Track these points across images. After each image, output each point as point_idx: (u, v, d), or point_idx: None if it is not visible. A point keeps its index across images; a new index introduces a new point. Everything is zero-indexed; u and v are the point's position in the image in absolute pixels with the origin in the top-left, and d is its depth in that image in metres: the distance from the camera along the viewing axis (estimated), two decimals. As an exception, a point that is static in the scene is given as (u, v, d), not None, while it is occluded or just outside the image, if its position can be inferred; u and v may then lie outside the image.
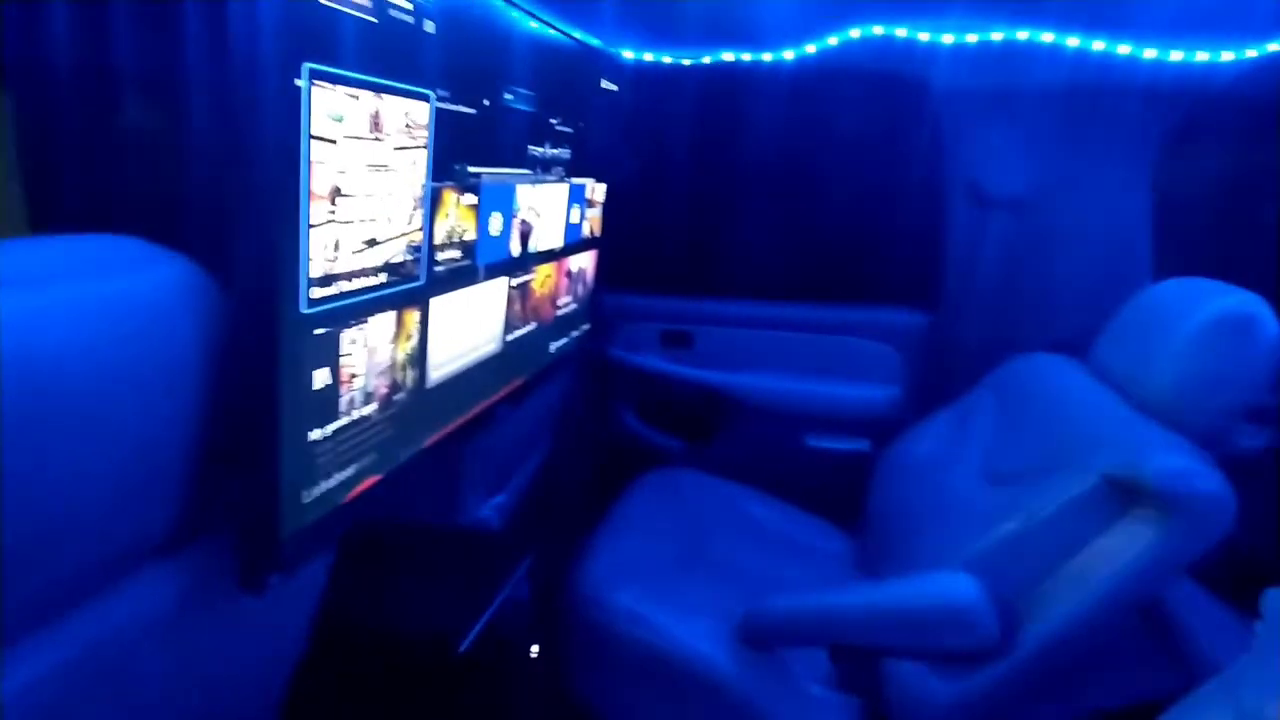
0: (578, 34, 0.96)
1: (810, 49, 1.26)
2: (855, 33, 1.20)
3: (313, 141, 0.49)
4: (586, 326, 1.23)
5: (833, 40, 1.22)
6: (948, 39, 1.19)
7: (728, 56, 1.35)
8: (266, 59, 0.44)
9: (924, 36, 1.18)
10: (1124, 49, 1.16)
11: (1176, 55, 1.18)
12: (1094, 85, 1.29)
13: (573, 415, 1.76)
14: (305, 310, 0.52)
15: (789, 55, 1.31)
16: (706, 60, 1.38)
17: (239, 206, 0.47)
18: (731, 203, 1.76)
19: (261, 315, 0.49)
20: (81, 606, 0.50)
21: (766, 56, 1.33)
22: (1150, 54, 1.18)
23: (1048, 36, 1.17)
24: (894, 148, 1.52)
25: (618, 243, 1.52)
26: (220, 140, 0.52)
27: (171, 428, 0.49)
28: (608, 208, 1.29)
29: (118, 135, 0.92)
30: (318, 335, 0.53)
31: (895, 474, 1.48)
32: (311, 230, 0.51)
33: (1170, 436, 0.96)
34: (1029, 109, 1.38)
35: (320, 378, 0.55)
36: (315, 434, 0.55)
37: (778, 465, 1.70)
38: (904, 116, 1.43)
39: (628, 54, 1.35)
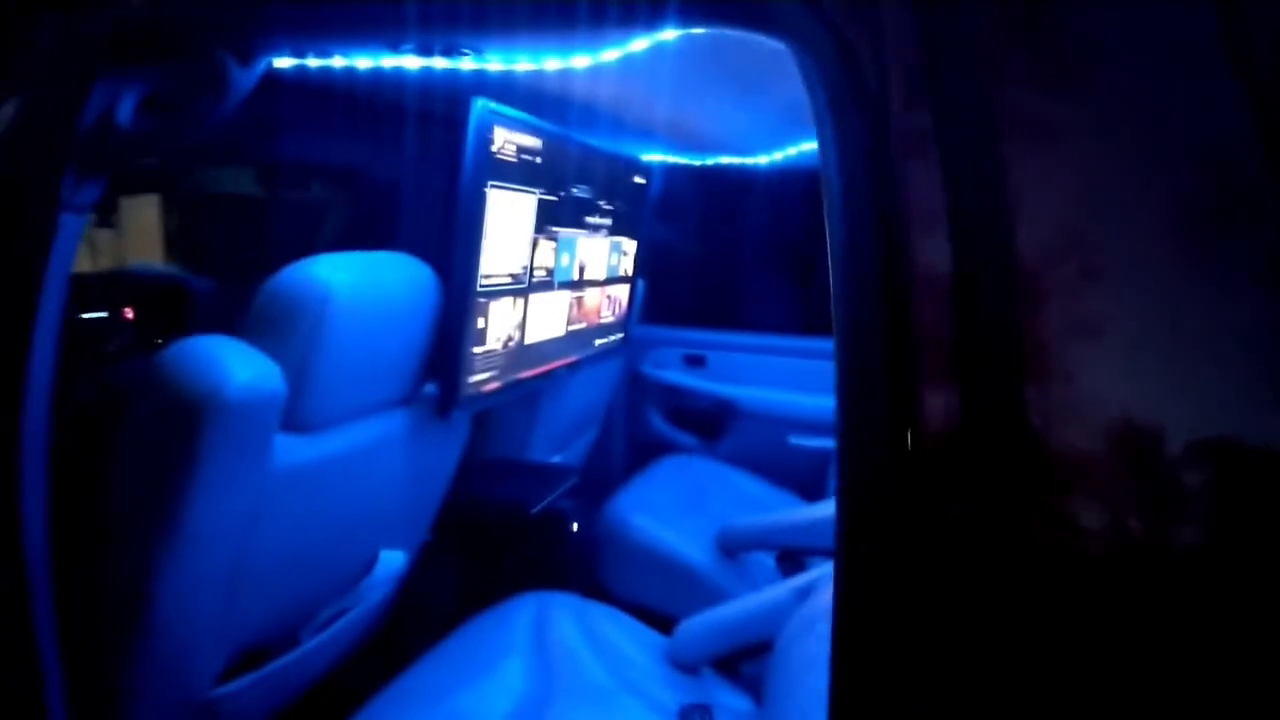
0: (620, 149, 1.59)
1: (778, 155, 1.87)
2: (806, 146, 1.79)
3: (486, 214, 1.10)
4: (620, 336, 1.82)
5: (792, 150, 1.83)
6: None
7: (724, 159, 1.97)
8: (474, 179, 1.06)
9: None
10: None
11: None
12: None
13: (615, 417, 2.34)
14: (478, 288, 1.13)
15: (764, 159, 1.93)
16: (710, 162, 2.01)
17: (455, 243, 1.09)
18: (735, 260, 2.36)
19: (461, 290, 1.10)
20: (371, 417, 1.10)
21: (750, 160, 1.95)
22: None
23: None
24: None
25: (652, 288, 2.12)
26: (444, 215, 1.14)
27: (424, 336, 1.10)
28: (644, 260, 1.90)
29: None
30: (480, 301, 1.14)
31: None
32: (482, 253, 1.12)
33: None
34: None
35: (480, 323, 1.15)
36: (475, 350, 1.16)
37: (768, 458, 2.22)
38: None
39: (657, 157, 1.99)
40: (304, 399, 0.94)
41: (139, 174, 1.94)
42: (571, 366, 1.56)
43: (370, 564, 1.23)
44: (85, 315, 1.60)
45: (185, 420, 0.81)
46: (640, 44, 0.82)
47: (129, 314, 1.67)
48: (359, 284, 0.97)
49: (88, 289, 1.71)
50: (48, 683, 0.83)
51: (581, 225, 1.43)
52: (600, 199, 1.49)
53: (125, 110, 0.82)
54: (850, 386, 0.52)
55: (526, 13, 0.70)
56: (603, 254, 1.56)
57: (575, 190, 1.37)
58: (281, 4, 0.74)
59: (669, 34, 0.80)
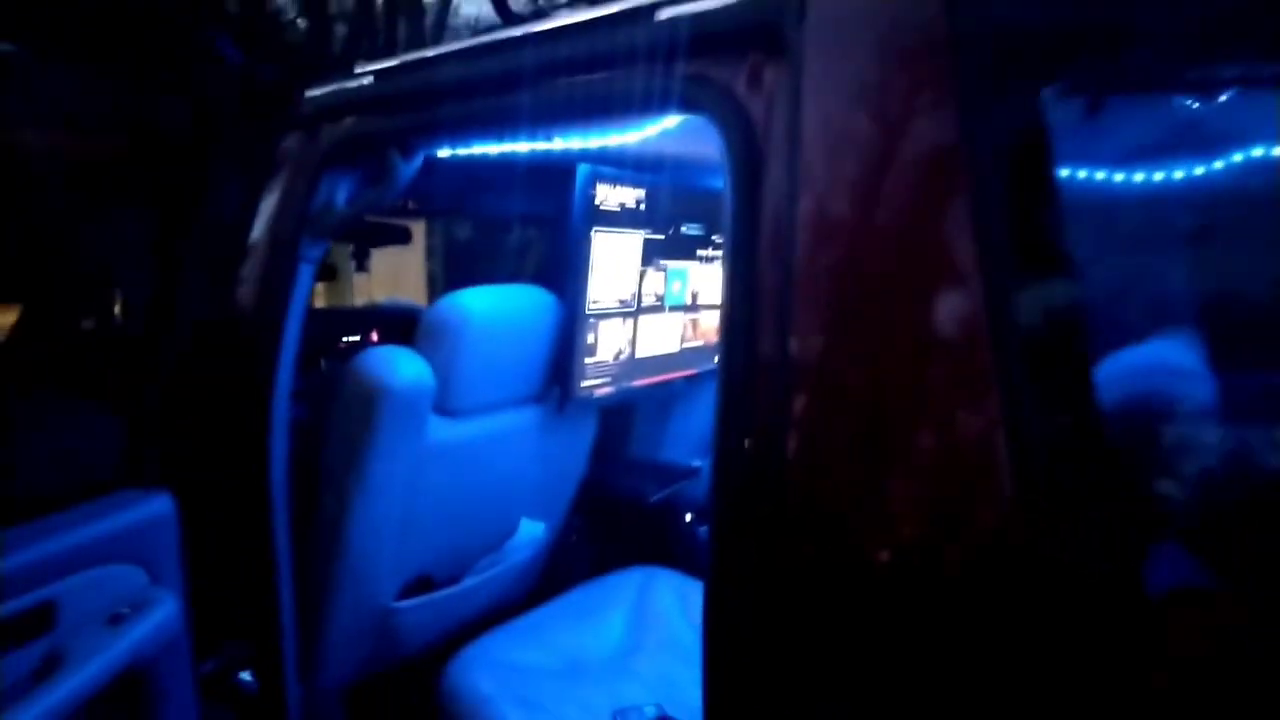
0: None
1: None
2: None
3: (592, 253, 1.40)
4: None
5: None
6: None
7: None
8: (581, 226, 1.37)
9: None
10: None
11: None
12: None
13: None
14: (586, 311, 1.43)
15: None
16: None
17: (569, 275, 1.40)
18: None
19: (573, 310, 1.41)
20: (506, 410, 1.43)
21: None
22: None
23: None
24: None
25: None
26: (559, 251, 1.45)
27: (547, 349, 1.42)
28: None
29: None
30: (590, 320, 1.44)
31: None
32: (590, 283, 1.42)
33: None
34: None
35: (589, 339, 1.45)
36: (587, 360, 1.46)
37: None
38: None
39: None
40: (450, 391, 1.29)
41: (387, 233, 2.50)
42: (691, 379, 1.81)
43: (513, 529, 1.56)
44: (345, 339, 2.13)
45: (367, 402, 1.19)
46: (670, 121, 1.07)
47: (375, 337, 2.19)
48: (490, 309, 1.31)
49: (346, 320, 2.27)
50: (280, 582, 1.24)
51: (692, 257, 1.68)
52: (714, 234, 1.73)
53: (339, 195, 1.23)
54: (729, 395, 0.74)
55: (578, 115, 0.99)
56: (719, 281, 1.80)
57: (684, 228, 1.63)
58: (422, 121, 1.10)
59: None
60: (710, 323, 1.82)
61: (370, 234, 2.30)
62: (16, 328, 1.15)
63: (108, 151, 1.11)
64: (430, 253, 7.72)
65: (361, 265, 2.62)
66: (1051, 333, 0.60)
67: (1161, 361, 0.74)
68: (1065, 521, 0.59)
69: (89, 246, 1.14)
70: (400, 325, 2.22)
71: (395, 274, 6.49)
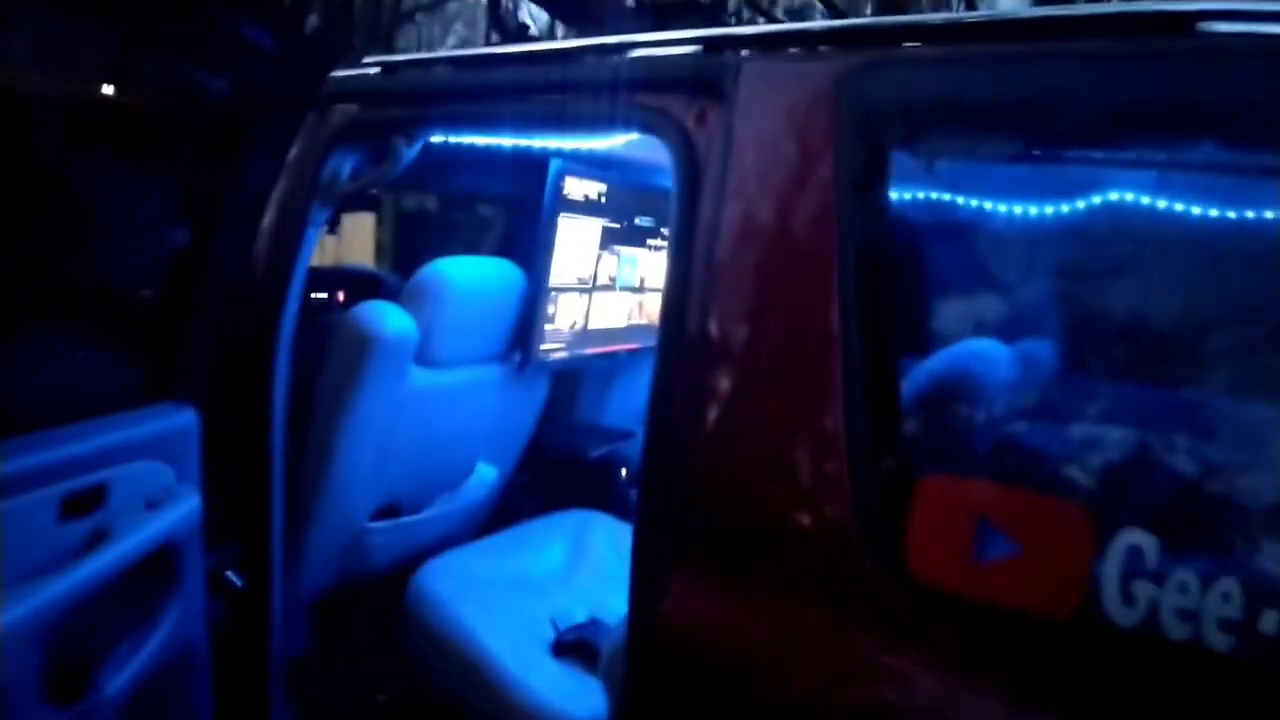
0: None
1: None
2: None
3: (558, 235, 1.64)
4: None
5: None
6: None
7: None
8: (550, 212, 1.60)
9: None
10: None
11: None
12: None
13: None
14: (549, 286, 1.67)
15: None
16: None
17: (536, 255, 1.63)
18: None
19: (536, 284, 1.65)
20: (474, 365, 1.66)
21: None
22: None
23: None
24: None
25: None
26: (530, 234, 1.69)
27: (513, 315, 1.65)
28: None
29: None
30: (551, 294, 1.68)
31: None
32: (552, 262, 1.66)
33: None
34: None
35: (550, 309, 1.69)
36: (547, 327, 1.70)
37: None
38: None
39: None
40: (429, 345, 1.52)
41: (358, 199, 2.68)
42: (633, 353, 2.06)
43: (471, 470, 1.79)
44: (313, 295, 2.31)
45: (359, 348, 1.41)
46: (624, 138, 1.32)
47: (340, 297, 2.37)
48: (466, 277, 1.54)
49: (316, 278, 2.44)
50: (273, 496, 1.44)
51: (643, 245, 1.93)
52: (664, 226, 1.99)
53: (345, 170, 1.43)
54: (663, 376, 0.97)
55: (560, 124, 1.22)
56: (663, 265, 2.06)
57: (638, 220, 1.88)
58: (426, 114, 1.31)
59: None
60: (654, 305, 2.07)
61: (344, 200, 2.47)
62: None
63: (152, 108, 1.30)
64: (380, 222, 7.81)
65: (332, 229, 2.79)
66: (891, 323, 0.86)
67: (972, 348, 1.02)
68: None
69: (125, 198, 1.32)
70: (364, 286, 2.42)
71: (347, 239, 6.57)
